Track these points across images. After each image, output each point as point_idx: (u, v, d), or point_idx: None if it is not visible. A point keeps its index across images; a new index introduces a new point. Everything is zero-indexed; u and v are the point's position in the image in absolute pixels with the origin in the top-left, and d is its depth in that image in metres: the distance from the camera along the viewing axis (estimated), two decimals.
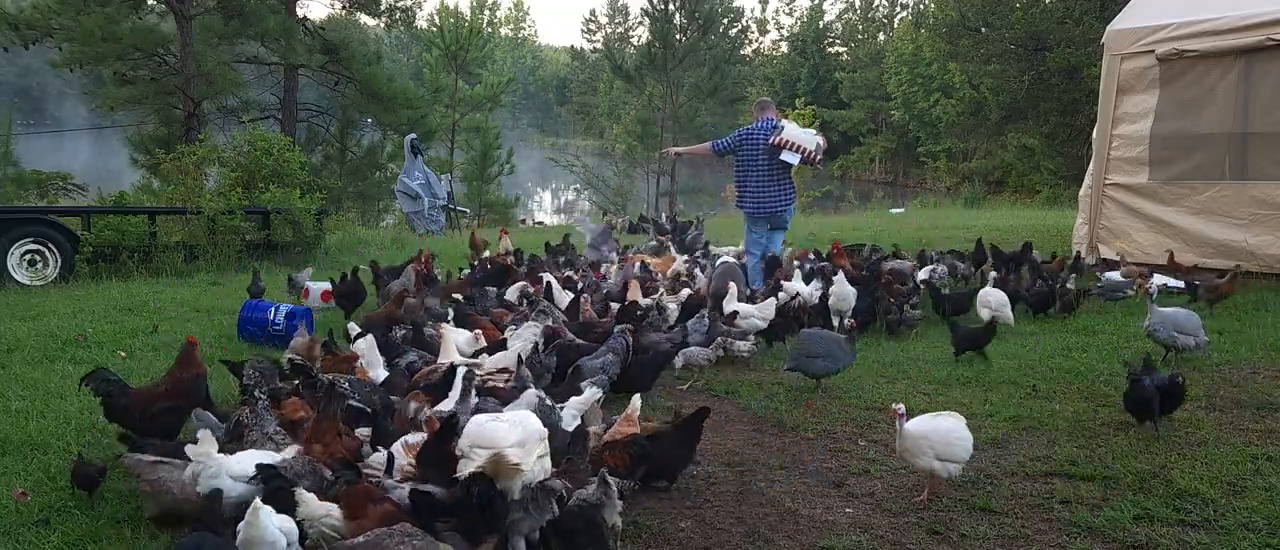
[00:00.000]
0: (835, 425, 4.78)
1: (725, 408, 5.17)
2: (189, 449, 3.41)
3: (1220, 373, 5.54)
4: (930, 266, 8.78)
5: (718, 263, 8.80)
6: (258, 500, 2.88)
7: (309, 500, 3.10)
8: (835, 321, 7.00)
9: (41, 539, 3.37)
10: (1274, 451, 4.15)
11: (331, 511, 3.10)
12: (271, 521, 2.86)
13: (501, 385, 4.74)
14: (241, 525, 2.84)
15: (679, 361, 5.71)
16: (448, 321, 6.21)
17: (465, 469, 3.19)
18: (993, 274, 7.65)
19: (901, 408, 3.74)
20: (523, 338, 5.54)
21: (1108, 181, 9.21)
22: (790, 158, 8.16)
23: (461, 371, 4.32)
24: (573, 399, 4.40)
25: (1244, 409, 4.82)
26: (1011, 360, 6.03)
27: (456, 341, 5.61)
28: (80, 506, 3.63)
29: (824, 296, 7.20)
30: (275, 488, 3.14)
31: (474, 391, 4.24)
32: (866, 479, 4.03)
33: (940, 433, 3.69)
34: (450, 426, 3.53)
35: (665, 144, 28.02)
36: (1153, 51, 8.71)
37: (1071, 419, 4.71)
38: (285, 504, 3.07)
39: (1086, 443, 4.34)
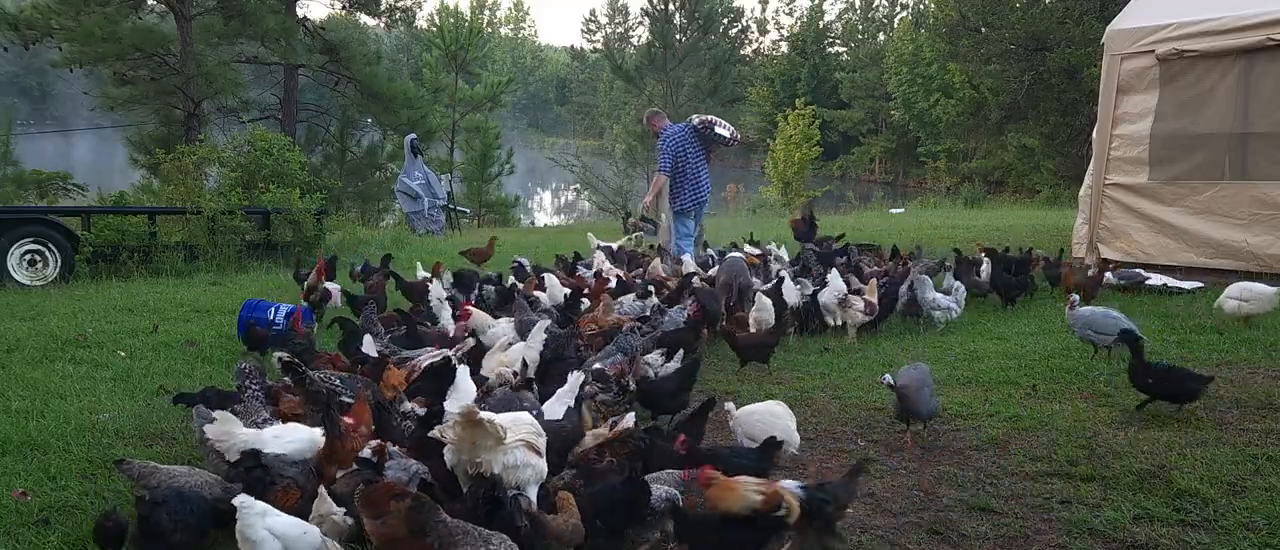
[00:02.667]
0: (835, 425, 4.78)
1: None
2: (208, 429, 3.46)
3: (1220, 373, 5.53)
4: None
5: (726, 258, 8.87)
6: (243, 496, 2.84)
7: (323, 496, 3.11)
8: (829, 320, 7.03)
9: (41, 539, 3.37)
10: (1274, 451, 4.14)
11: (334, 512, 3.09)
12: (261, 522, 2.83)
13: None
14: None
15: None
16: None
17: (443, 435, 3.19)
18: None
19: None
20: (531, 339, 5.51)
21: (1108, 181, 9.21)
22: (723, 132, 9.14)
23: (463, 371, 4.30)
24: (559, 390, 4.39)
25: (1244, 409, 4.81)
26: (1011, 360, 6.02)
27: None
28: (81, 506, 3.63)
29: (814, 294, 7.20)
30: (256, 478, 3.15)
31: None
32: (866, 479, 4.01)
33: (753, 417, 4.05)
34: (435, 413, 3.57)
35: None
36: (1153, 51, 8.71)
37: (1071, 419, 4.70)
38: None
39: (1086, 443, 4.32)
